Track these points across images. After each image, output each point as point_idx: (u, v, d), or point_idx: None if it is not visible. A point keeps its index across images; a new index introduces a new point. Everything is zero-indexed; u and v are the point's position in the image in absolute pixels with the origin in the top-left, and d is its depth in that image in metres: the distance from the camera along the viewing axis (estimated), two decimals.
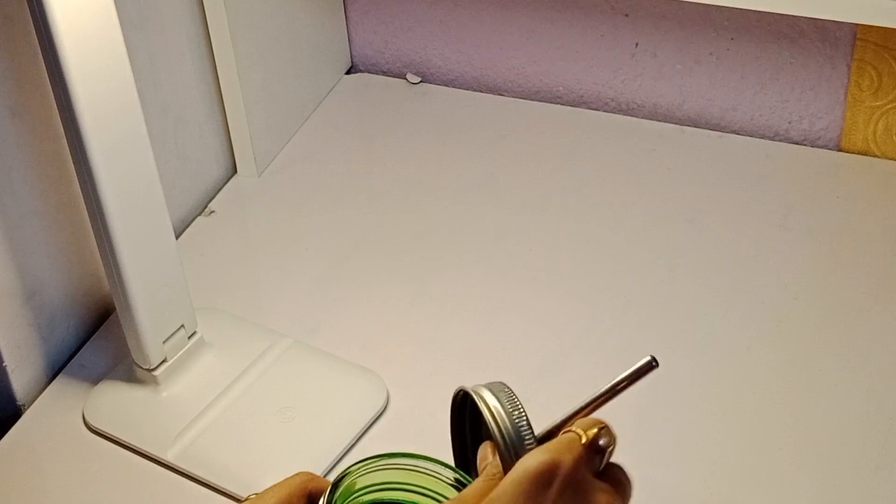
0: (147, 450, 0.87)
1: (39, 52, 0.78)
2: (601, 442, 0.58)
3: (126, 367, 0.91)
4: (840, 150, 1.09)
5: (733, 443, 0.86)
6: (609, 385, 0.61)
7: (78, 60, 0.77)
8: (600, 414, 0.60)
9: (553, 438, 0.59)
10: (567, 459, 0.56)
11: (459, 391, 0.63)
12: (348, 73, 1.23)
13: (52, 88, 0.79)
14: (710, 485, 0.83)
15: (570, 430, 0.59)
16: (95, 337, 0.97)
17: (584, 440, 0.58)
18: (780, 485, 0.83)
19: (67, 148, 0.81)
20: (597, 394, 0.61)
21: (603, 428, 0.59)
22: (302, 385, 0.90)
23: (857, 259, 0.98)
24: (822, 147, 1.10)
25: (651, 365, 0.61)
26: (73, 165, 0.82)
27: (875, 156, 1.08)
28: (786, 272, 0.98)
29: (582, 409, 0.61)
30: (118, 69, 0.80)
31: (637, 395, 0.89)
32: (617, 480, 0.59)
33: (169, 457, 0.86)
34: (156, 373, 0.89)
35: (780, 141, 1.11)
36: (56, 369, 0.95)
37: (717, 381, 0.90)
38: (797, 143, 1.11)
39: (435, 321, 0.96)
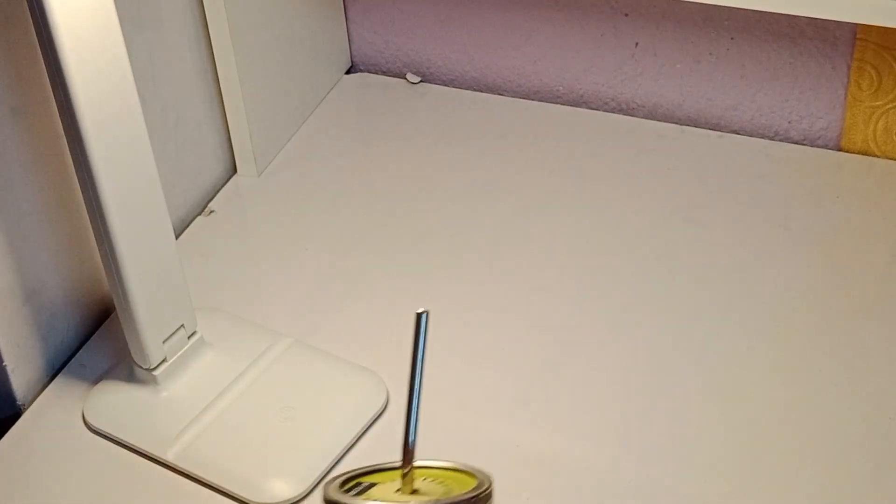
0: (147, 450, 0.87)
1: (39, 52, 0.78)
2: None
3: (126, 366, 0.91)
4: (840, 149, 1.09)
5: (733, 443, 0.86)
6: (412, 359, 0.65)
7: (78, 60, 0.77)
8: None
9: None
10: None
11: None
12: (348, 72, 1.23)
13: (52, 88, 0.79)
14: (710, 485, 0.83)
15: None
16: (95, 337, 0.97)
17: None
18: (780, 484, 0.83)
19: (67, 148, 0.81)
20: (411, 375, 0.65)
21: None
22: (302, 385, 0.90)
23: (857, 259, 0.98)
24: (822, 147, 1.10)
25: (419, 315, 0.65)
26: (73, 165, 0.82)
27: (875, 156, 1.08)
28: (786, 272, 0.98)
29: (409, 399, 0.66)
30: (118, 69, 0.80)
31: (637, 395, 0.89)
32: None
33: (169, 457, 0.86)
34: (155, 373, 0.89)
35: (780, 141, 1.11)
36: (56, 369, 0.95)
37: (717, 381, 0.90)
38: (797, 143, 1.11)
39: (435, 321, 0.96)
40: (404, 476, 0.64)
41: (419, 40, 1.19)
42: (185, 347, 0.90)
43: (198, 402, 0.89)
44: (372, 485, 0.65)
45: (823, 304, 0.95)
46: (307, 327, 0.96)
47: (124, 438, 0.88)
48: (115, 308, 0.89)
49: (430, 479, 0.65)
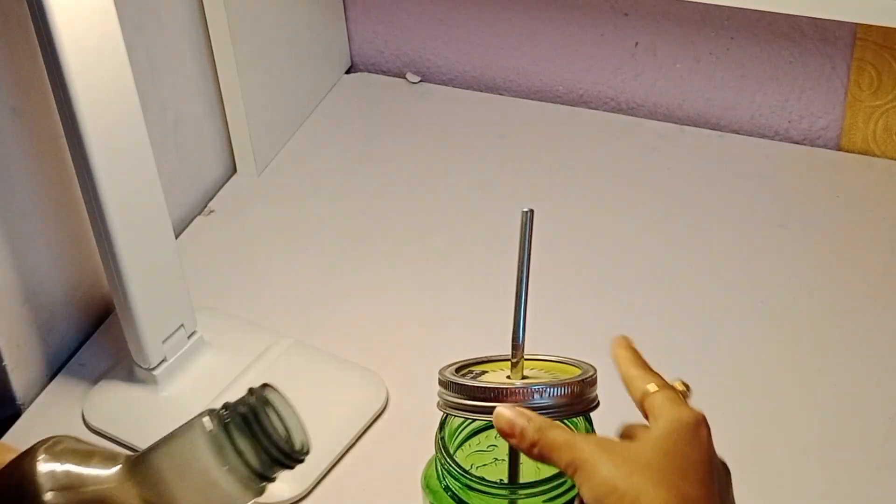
0: None
1: (39, 52, 0.78)
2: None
3: (125, 366, 0.91)
4: (840, 149, 1.09)
5: (733, 442, 0.86)
6: (519, 258, 0.68)
7: (78, 60, 0.77)
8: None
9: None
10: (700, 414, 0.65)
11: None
12: (348, 72, 1.23)
13: (52, 88, 0.79)
14: None
15: (664, 388, 0.67)
16: (95, 336, 0.97)
17: (686, 394, 0.69)
18: (780, 484, 0.83)
19: (67, 147, 0.81)
20: (518, 273, 0.68)
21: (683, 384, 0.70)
22: (301, 385, 0.90)
23: (857, 259, 0.98)
24: (822, 147, 1.10)
25: (525, 213, 0.68)
26: (73, 165, 0.82)
27: (875, 155, 1.08)
28: (786, 272, 0.98)
29: (517, 295, 0.67)
30: (118, 69, 0.80)
31: None
32: None
33: None
34: (155, 372, 0.89)
35: (780, 141, 1.11)
36: (55, 369, 0.95)
37: (717, 381, 0.90)
38: (797, 143, 1.11)
39: (435, 321, 0.96)
40: (514, 365, 0.66)
41: (419, 40, 1.19)
42: (185, 347, 0.90)
43: (197, 402, 0.89)
44: (483, 372, 0.68)
45: (823, 303, 0.95)
46: (307, 327, 0.96)
47: (124, 438, 0.88)
48: (115, 308, 0.89)
49: (537, 369, 0.68)
